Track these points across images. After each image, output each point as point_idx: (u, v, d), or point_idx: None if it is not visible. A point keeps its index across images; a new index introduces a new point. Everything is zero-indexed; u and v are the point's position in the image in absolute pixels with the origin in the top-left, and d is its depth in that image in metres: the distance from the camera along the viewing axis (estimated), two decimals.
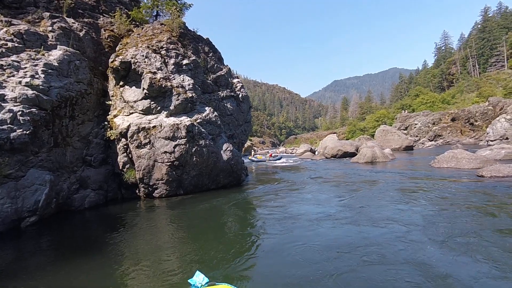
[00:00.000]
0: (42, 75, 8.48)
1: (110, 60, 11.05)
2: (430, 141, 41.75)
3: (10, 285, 4.11)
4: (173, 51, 12.02)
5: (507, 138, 28.92)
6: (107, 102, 10.97)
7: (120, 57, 10.83)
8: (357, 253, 4.52)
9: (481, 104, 42.11)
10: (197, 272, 2.18)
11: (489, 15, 72.69)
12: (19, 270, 4.68)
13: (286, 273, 3.88)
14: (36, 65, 8.53)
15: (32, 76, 8.24)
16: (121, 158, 10.33)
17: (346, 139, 47.81)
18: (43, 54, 9.00)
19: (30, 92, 7.95)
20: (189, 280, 2.12)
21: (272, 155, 33.39)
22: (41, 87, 8.28)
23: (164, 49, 11.79)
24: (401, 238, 5.06)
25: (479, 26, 74.79)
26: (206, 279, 2.10)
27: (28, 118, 7.71)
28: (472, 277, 3.52)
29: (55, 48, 9.56)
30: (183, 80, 11.65)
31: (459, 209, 6.73)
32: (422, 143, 40.57)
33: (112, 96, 11.09)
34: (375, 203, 7.93)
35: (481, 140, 34.50)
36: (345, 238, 5.23)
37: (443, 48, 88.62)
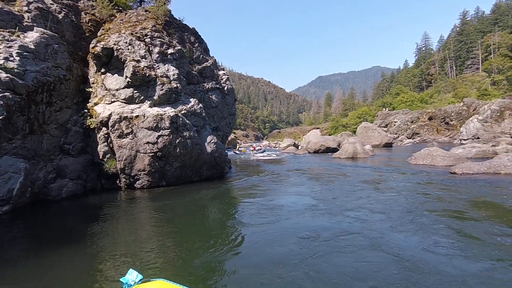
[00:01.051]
0: (17, 58, 8.03)
1: (91, 45, 10.60)
2: (408, 138, 43.31)
3: None
4: (158, 39, 11.70)
5: (478, 138, 30.49)
6: (87, 89, 10.56)
7: (102, 43, 10.42)
8: (335, 242, 4.68)
9: (457, 105, 44.02)
10: (130, 269, 2.09)
11: (467, 19, 75.71)
12: None
13: (262, 262, 3.96)
14: (10, 47, 8.06)
15: (6, 59, 7.79)
16: (102, 148, 10.03)
17: (329, 135, 48.65)
18: (18, 36, 8.51)
19: (3, 75, 7.53)
20: (121, 279, 2.02)
21: (256, 148, 33.90)
22: (15, 70, 7.85)
23: (148, 37, 11.44)
24: (375, 227, 5.28)
25: (457, 29, 77.74)
26: (140, 276, 2.02)
27: (1, 102, 7.32)
28: (432, 254, 3.74)
29: (32, 30, 9.06)
30: (167, 70, 11.39)
31: (432, 201, 7.08)
32: (401, 141, 42.02)
33: (93, 83, 10.68)
34: (353, 195, 8.19)
35: (455, 139, 36.16)
36: (323, 228, 5.38)
37: (423, 48, 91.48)
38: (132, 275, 2.00)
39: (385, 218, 5.98)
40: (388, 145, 33.99)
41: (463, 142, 29.98)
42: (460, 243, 4.46)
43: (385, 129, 47.13)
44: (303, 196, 8.63)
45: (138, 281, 1.98)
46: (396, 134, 45.70)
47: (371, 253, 4.21)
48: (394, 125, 48.54)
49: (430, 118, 45.00)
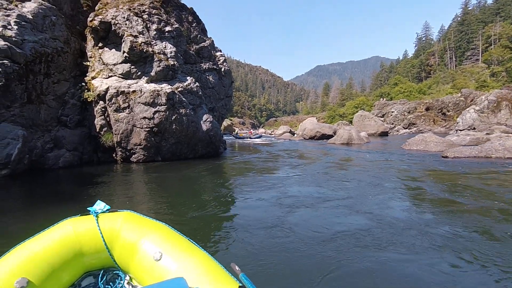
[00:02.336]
0: (15, 27, 8.11)
1: (89, 19, 10.62)
2: (405, 128, 43.63)
3: None
4: (156, 16, 11.71)
5: (474, 128, 30.80)
6: (84, 63, 10.65)
7: (100, 16, 10.44)
8: (317, 206, 4.97)
9: (454, 95, 44.17)
10: (98, 201, 2.10)
11: (469, 8, 74.86)
12: None
13: (250, 224, 4.11)
14: (8, 16, 8.12)
15: (4, 27, 7.87)
16: (99, 121, 10.21)
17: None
18: (16, 5, 8.55)
19: (1, 43, 7.63)
20: (88, 207, 2.02)
21: (253, 132, 37.68)
22: (14, 39, 7.94)
23: (146, 13, 11.45)
24: (354, 194, 5.58)
25: (458, 18, 76.95)
26: (108, 207, 2.05)
27: (0, 69, 7.44)
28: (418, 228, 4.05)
29: (29, 1, 9.08)
30: (165, 47, 11.45)
31: (421, 180, 7.39)
32: (397, 131, 42.35)
33: (91, 57, 10.76)
34: (341, 172, 8.48)
35: (451, 130, 36.49)
36: (308, 196, 5.67)
37: (423, 39, 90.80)
38: (100, 205, 2.04)
39: (371, 187, 6.28)
40: (384, 134, 34.29)
41: (459, 132, 30.33)
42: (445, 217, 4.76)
43: (382, 119, 47.35)
44: (292, 170, 8.90)
45: (106, 210, 2.03)
46: (392, 124, 45.99)
47: (346, 211, 4.52)
48: (391, 115, 48.76)
49: (427, 109, 45.23)
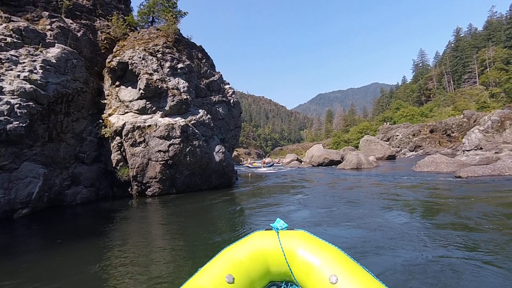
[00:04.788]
0: (40, 71, 8.59)
1: (108, 60, 11.24)
2: (411, 151, 43.46)
3: (2, 265, 4.15)
4: (169, 55, 12.36)
5: (481, 148, 30.62)
6: (102, 101, 11.08)
7: (118, 57, 11.05)
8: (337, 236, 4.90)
9: (457, 117, 44.48)
10: (278, 219, 2.41)
11: (461, 35, 77.88)
12: (10, 254, 4.70)
13: None
14: (34, 61, 8.63)
15: (31, 71, 8.34)
16: (115, 156, 10.39)
17: None
18: (41, 51, 9.12)
19: (28, 86, 8.04)
20: (271, 224, 2.35)
21: (265, 162, 37.63)
22: (39, 82, 8.37)
23: (160, 52, 12.11)
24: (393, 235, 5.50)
25: (452, 45, 79.77)
26: (286, 225, 2.34)
27: (25, 111, 7.78)
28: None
29: (53, 46, 9.69)
30: (178, 83, 11.95)
31: (441, 200, 7.29)
32: (404, 153, 42.17)
33: (108, 95, 11.22)
34: (364, 202, 8.39)
35: (458, 150, 36.25)
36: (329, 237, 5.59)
37: (420, 64, 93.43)
38: (280, 223, 2.34)
39: (401, 216, 6.19)
40: (392, 158, 34.16)
41: (466, 152, 30.12)
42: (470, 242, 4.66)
43: (387, 142, 47.36)
44: (310, 205, 8.78)
45: (284, 228, 2.31)
46: (398, 147, 45.89)
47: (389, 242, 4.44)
48: (396, 138, 48.83)
49: (431, 131, 45.35)
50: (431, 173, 14.14)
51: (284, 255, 2.08)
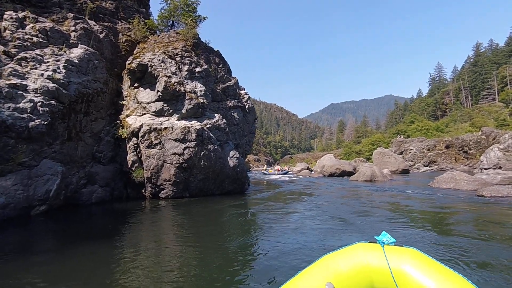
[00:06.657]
0: (63, 70, 8.73)
1: (128, 62, 11.39)
2: (425, 166, 42.39)
3: (19, 262, 4.16)
4: (187, 58, 12.44)
5: (500, 167, 29.58)
6: (120, 102, 11.19)
7: (138, 59, 11.18)
8: None
9: (475, 134, 43.28)
10: (384, 232, 2.25)
11: (481, 51, 76.19)
12: (27, 251, 4.70)
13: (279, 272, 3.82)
14: (58, 61, 8.79)
15: (54, 70, 8.48)
16: (131, 157, 10.41)
17: None
18: (65, 51, 9.29)
19: (51, 84, 8.17)
20: (375, 237, 2.23)
21: (280, 169, 37.89)
22: (61, 81, 8.50)
23: (179, 56, 12.20)
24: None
25: (471, 60, 78.10)
26: (393, 239, 2.19)
27: (47, 109, 7.88)
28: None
29: (76, 47, 9.87)
30: (195, 86, 11.98)
31: (465, 222, 6.94)
32: (417, 168, 41.18)
33: (126, 96, 11.33)
34: (381, 215, 8.09)
35: (475, 168, 35.15)
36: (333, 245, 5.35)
37: (437, 78, 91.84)
38: (386, 237, 2.19)
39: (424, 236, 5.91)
40: (405, 172, 33.38)
41: (484, 171, 29.14)
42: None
43: (401, 156, 46.39)
44: (324, 217, 8.45)
45: (391, 243, 2.15)
46: (412, 161, 44.83)
47: None
48: (410, 152, 47.77)
49: (447, 147, 44.20)
50: (450, 190, 13.63)
51: (392, 274, 1.92)
